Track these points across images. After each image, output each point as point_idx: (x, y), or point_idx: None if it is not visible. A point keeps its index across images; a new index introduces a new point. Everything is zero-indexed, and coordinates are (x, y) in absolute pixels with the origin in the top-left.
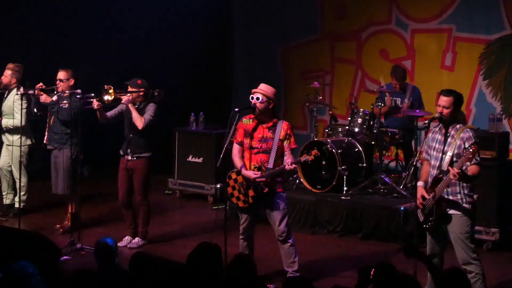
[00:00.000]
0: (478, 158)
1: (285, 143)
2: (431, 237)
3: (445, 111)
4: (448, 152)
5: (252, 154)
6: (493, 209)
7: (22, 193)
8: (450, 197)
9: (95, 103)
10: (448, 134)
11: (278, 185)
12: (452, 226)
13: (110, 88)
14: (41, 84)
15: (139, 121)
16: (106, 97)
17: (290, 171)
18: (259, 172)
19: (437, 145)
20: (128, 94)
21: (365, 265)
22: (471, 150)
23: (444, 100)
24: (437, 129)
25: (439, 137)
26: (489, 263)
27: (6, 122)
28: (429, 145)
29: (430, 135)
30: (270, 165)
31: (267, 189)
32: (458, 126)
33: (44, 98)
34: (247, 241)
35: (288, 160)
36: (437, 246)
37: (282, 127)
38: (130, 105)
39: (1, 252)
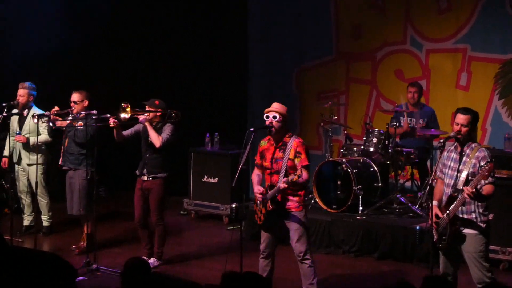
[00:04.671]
0: (493, 178)
1: (296, 161)
2: (444, 257)
3: (463, 129)
4: (464, 170)
5: (266, 175)
6: (510, 228)
7: (47, 210)
8: (465, 216)
9: (111, 121)
10: (463, 153)
11: (292, 204)
12: (466, 245)
13: (127, 106)
14: (56, 108)
15: (156, 140)
16: (123, 115)
17: (303, 190)
18: (262, 189)
19: (452, 164)
20: (146, 114)
21: (384, 285)
22: (487, 167)
23: (462, 118)
24: (453, 147)
25: (454, 155)
26: (506, 283)
27: (34, 139)
28: (444, 164)
29: (445, 153)
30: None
31: (271, 206)
32: (473, 145)
33: (60, 123)
34: (267, 260)
35: (283, 179)
36: (450, 265)
37: (292, 146)
38: (147, 124)
39: (17, 273)
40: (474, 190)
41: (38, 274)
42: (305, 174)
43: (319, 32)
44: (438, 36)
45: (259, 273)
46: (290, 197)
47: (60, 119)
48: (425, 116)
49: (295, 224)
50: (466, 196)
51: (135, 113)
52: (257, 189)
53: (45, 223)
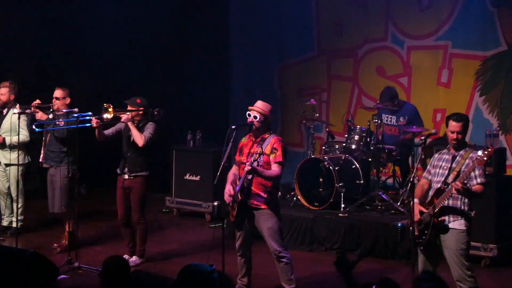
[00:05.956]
0: (485, 179)
1: (271, 156)
2: (423, 255)
3: (459, 136)
4: (456, 168)
5: (241, 170)
6: (491, 225)
7: (19, 213)
8: (450, 212)
9: (94, 121)
10: (456, 154)
11: (263, 201)
12: (448, 241)
13: (109, 107)
14: (38, 101)
15: (139, 139)
16: (106, 115)
17: (275, 187)
18: (232, 192)
19: (443, 164)
20: (128, 113)
21: (366, 282)
22: (486, 152)
23: (456, 125)
24: (446, 150)
25: (446, 157)
26: (487, 279)
27: (10, 139)
28: (434, 164)
29: (436, 155)
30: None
31: (240, 197)
32: (467, 148)
33: (40, 115)
34: (244, 257)
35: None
36: (429, 263)
37: (270, 142)
38: (129, 123)
39: None
40: (462, 184)
41: (19, 272)
42: (277, 169)
43: (301, 28)
44: (419, 33)
45: (239, 271)
46: (261, 193)
47: (40, 111)
48: (406, 114)
49: (267, 222)
50: (454, 191)
51: (117, 113)
52: (228, 188)
53: (17, 224)
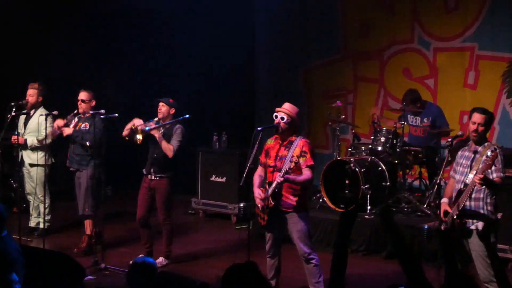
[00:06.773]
0: (501, 174)
1: (301, 160)
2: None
3: (480, 128)
4: (474, 167)
5: (269, 173)
6: None
7: (46, 213)
8: (473, 213)
9: (127, 129)
10: (476, 150)
11: (293, 204)
12: (473, 243)
13: (136, 128)
14: (60, 124)
15: (168, 151)
16: (138, 137)
17: (305, 190)
18: (263, 195)
19: (464, 161)
20: (160, 130)
21: (392, 284)
22: (490, 156)
23: (479, 117)
24: (467, 147)
25: (467, 153)
26: None
27: (32, 140)
28: (457, 162)
29: (459, 152)
30: None
31: (272, 202)
32: (486, 143)
33: (67, 131)
34: (274, 259)
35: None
36: (459, 263)
37: (298, 144)
38: (157, 136)
39: (26, 272)
40: (482, 176)
41: (47, 272)
42: (308, 174)
43: (326, 30)
44: (445, 35)
45: (267, 272)
46: (291, 197)
47: (66, 128)
48: (430, 115)
49: (296, 225)
50: (476, 180)
51: (148, 131)
52: (257, 193)
53: (44, 225)
